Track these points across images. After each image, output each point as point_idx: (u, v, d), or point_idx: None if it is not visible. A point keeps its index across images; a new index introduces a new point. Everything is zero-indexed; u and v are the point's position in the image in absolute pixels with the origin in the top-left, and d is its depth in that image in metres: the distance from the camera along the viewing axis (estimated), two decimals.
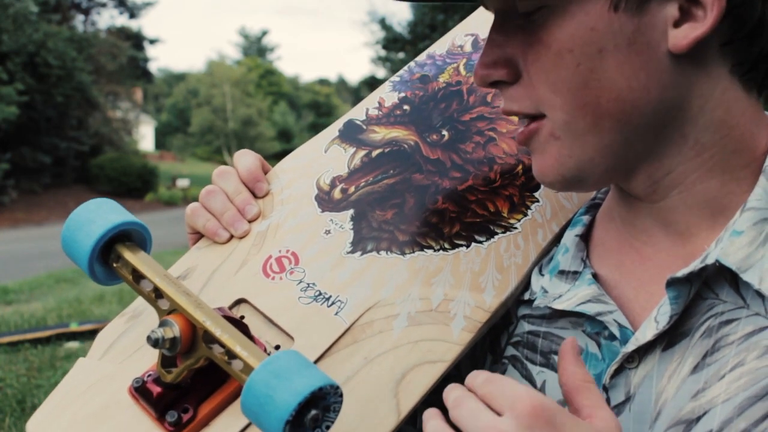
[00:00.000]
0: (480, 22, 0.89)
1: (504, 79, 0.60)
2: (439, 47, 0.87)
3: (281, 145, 51.17)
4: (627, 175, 0.61)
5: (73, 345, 4.58)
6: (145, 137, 40.78)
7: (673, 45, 0.54)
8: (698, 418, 0.54)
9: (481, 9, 0.90)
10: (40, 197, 19.94)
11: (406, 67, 0.86)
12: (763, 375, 0.53)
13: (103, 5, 25.80)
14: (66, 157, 21.44)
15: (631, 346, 0.58)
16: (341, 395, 0.50)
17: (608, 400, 0.59)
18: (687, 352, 0.57)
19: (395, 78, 0.85)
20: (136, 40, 26.76)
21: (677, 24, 0.55)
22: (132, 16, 26.75)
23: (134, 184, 22.62)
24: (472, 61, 0.85)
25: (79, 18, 25.36)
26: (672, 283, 0.56)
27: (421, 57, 0.87)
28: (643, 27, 0.54)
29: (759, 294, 0.55)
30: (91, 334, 4.81)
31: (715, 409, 0.54)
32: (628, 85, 0.55)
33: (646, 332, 0.57)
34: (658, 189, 0.60)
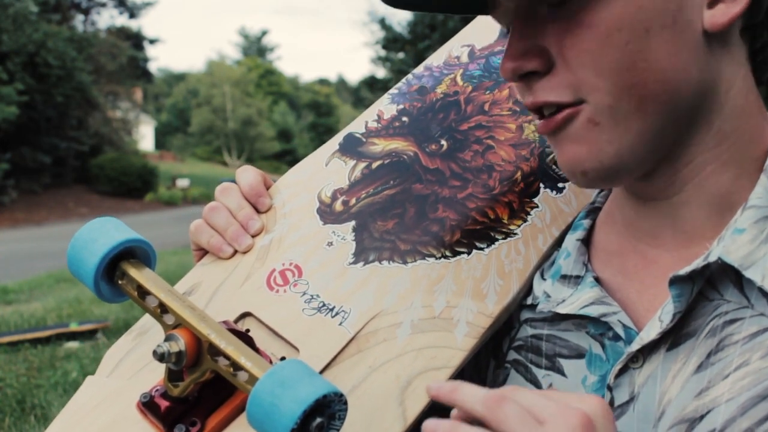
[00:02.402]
0: (476, 33, 0.90)
1: (537, 69, 0.58)
2: (437, 59, 0.88)
3: (281, 145, 51.20)
4: (653, 164, 0.60)
5: (72, 345, 4.58)
6: (145, 137, 40.76)
7: (711, 24, 0.55)
8: (701, 417, 0.54)
9: (478, 20, 0.90)
10: (40, 197, 19.94)
11: (404, 80, 0.87)
12: (767, 375, 0.53)
13: (103, 5, 25.81)
14: (66, 157, 21.45)
15: (635, 346, 0.58)
16: (345, 402, 0.50)
17: (612, 400, 0.59)
18: (692, 353, 0.57)
19: (393, 90, 0.86)
20: (136, 40, 26.76)
21: (711, 4, 0.55)
22: (132, 16, 26.76)
23: (134, 184, 22.63)
24: (469, 71, 0.86)
25: (79, 18, 25.37)
26: (675, 281, 0.56)
27: (419, 69, 0.88)
28: (684, 5, 0.54)
29: (763, 293, 0.55)
30: (90, 334, 4.82)
31: (718, 408, 0.54)
32: (672, 65, 0.55)
33: (651, 331, 0.57)
34: (675, 181, 0.60)
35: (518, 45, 0.58)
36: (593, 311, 0.62)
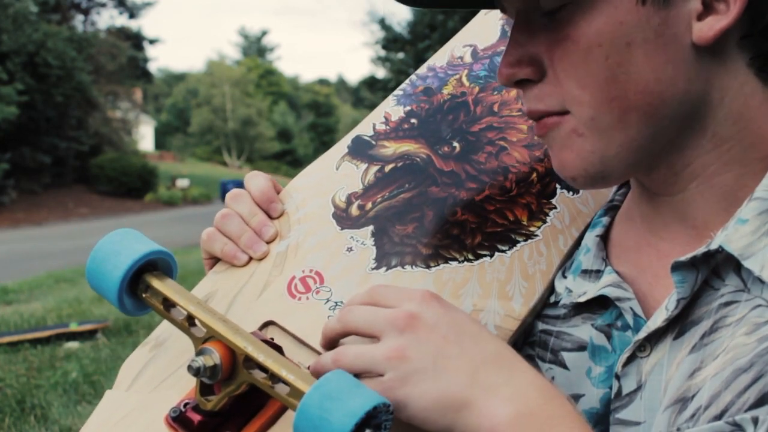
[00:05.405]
0: (478, 32, 0.89)
1: (529, 78, 0.60)
2: (439, 59, 0.87)
3: (281, 145, 51.24)
4: (648, 168, 0.61)
5: (72, 345, 4.57)
6: (144, 137, 40.78)
7: (698, 37, 0.55)
8: (693, 396, 0.55)
9: (478, 19, 0.90)
10: (40, 197, 19.95)
11: (407, 81, 0.86)
12: (749, 350, 0.53)
13: (103, 5, 25.82)
14: (66, 157, 21.47)
15: (642, 334, 0.59)
16: (392, 413, 0.50)
17: (620, 389, 0.60)
18: (693, 337, 0.57)
19: (398, 92, 0.85)
20: (136, 40, 26.77)
21: (700, 17, 0.56)
22: (132, 16, 26.78)
23: (134, 184, 22.66)
24: (474, 71, 0.85)
25: (79, 18, 25.40)
26: (677, 267, 0.57)
27: (422, 69, 0.87)
28: (669, 20, 0.55)
29: (760, 280, 0.55)
30: (90, 334, 4.81)
31: (705, 386, 0.54)
32: (655, 77, 0.56)
33: (657, 319, 0.58)
34: (677, 181, 0.61)
35: (514, 52, 0.60)
36: (610, 292, 0.63)
